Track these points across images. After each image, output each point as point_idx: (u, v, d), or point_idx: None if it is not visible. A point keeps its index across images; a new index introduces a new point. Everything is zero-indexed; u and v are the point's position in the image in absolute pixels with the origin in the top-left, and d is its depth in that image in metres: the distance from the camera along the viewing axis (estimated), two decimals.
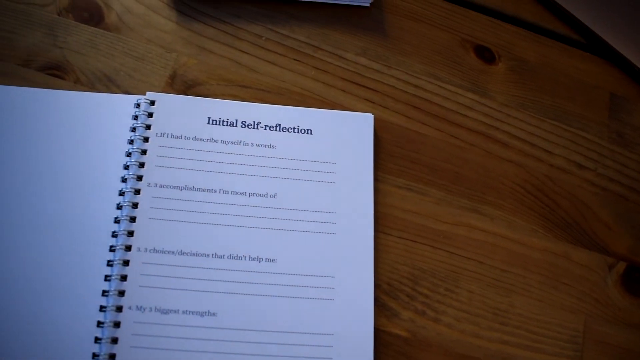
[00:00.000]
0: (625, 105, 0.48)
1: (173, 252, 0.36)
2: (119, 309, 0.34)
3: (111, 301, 0.34)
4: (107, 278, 0.35)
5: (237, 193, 0.38)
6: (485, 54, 0.46)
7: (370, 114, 0.41)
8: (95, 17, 0.43)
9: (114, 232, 0.36)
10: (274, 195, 0.38)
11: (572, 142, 0.45)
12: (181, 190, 0.37)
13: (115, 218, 0.36)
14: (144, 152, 0.38)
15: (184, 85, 0.41)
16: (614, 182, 0.45)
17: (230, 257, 0.36)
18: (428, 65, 0.45)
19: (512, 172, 0.43)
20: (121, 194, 0.37)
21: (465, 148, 0.43)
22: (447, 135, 0.43)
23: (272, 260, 0.37)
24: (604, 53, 0.50)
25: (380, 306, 0.37)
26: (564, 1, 0.49)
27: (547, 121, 0.46)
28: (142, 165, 0.38)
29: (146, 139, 0.38)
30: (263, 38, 0.44)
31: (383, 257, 0.38)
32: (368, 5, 0.46)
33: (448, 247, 0.40)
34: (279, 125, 0.40)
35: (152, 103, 0.39)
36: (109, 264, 0.35)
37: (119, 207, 0.37)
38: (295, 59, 0.43)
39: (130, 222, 0.36)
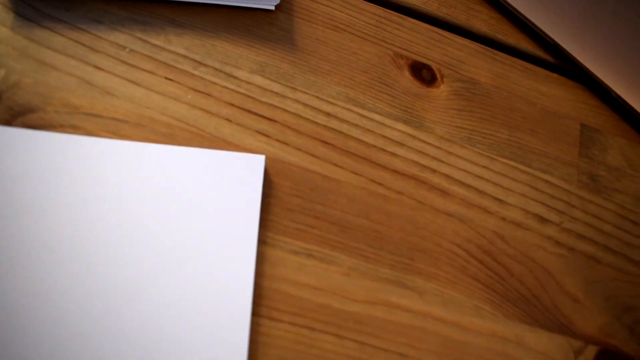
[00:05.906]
0: (599, 139, 0.38)
1: None
2: None
3: None
4: None
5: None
6: (424, 74, 0.36)
7: (262, 155, 0.31)
8: None
9: None
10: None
11: (532, 188, 0.36)
12: None
13: None
14: None
15: (9, 112, 0.31)
16: (584, 239, 0.35)
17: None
18: (347, 87, 0.35)
19: (452, 229, 0.33)
20: None
21: (390, 198, 0.33)
22: (366, 180, 0.33)
23: None
24: (574, 74, 0.40)
25: None
26: (527, 10, 0.39)
27: (500, 160, 0.36)
28: None
29: None
30: (127, 49, 0.33)
31: (266, 352, 0.28)
32: (272, 8, 0.36)
33: (359, 336, 0.29)
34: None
35: None
36: None
37: None
38: (167, 78, 0.33)
39: None
